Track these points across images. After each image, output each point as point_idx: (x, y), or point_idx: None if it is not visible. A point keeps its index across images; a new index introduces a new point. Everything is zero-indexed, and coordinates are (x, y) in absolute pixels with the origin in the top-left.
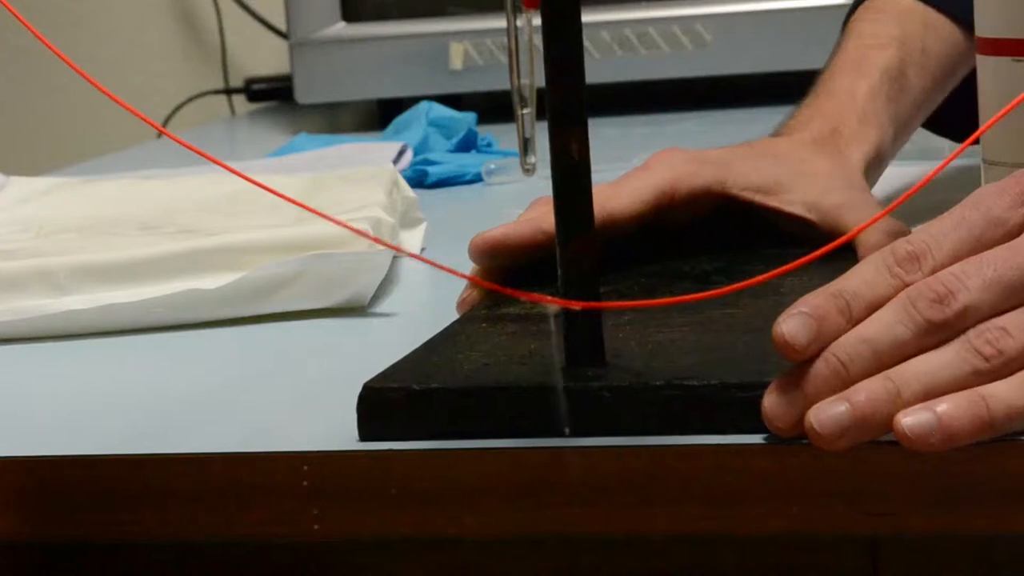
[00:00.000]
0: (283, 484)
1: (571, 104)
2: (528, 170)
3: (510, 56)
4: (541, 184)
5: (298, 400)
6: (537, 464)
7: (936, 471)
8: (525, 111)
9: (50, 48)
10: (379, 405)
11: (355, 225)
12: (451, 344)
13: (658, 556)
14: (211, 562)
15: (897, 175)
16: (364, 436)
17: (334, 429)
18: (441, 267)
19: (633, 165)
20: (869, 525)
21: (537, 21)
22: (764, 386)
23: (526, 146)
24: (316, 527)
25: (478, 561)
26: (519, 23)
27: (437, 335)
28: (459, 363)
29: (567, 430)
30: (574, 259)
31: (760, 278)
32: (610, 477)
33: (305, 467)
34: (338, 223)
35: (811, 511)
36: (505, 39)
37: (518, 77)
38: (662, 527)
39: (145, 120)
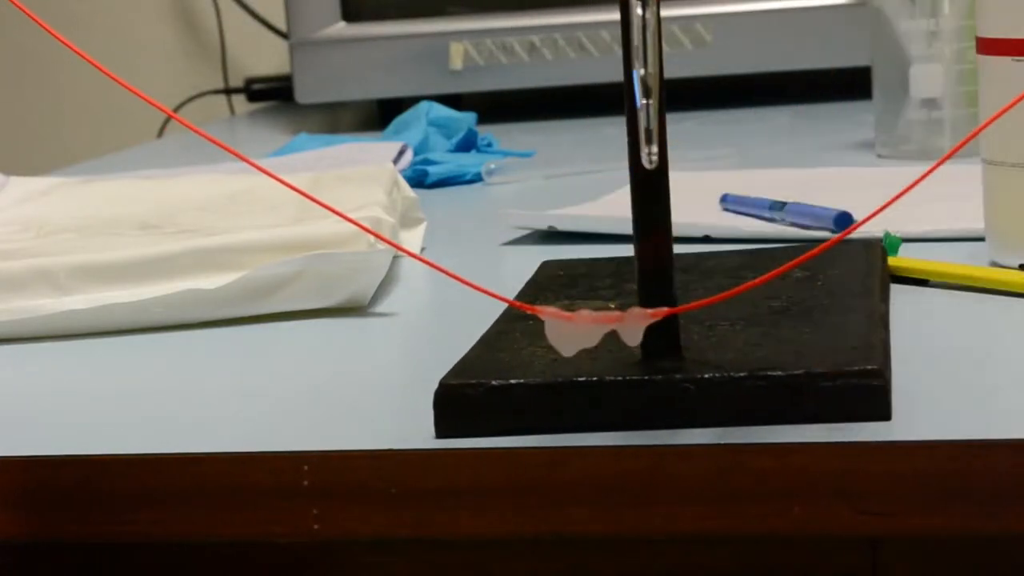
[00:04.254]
0: (283, 484)
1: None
2: (651, 163)
3: (627, 44)
4: (541, 185)
5: (299, 400)
6: (536, 464)
7: (935, 471)
8: (648, 101)
9: (61, 41)
10: (457, 402)
11: (363, 214)
12: (511, 340)
13: (658, 556)
14: (210, 562)
15: (897, 173)
16: (441, 433)
17: (336, 429)
18: (440, 269)
19: None
20: (869, 525)
21: (662, 11)
22: (847, 375)
23: (648, 137)
24: (316, 527)
25: (477, 561)
26: (644, 13)
27: (487, 333)
28: (528, 358)
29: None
30: (650, 259)
31: (799, 260)
32: (609, 477)
33: (306, 467)
34: (344, 217)
35: (812, 511)
36: (506, 38)
37: (644, 66)
38: (661, 527)
39: (159, 107)
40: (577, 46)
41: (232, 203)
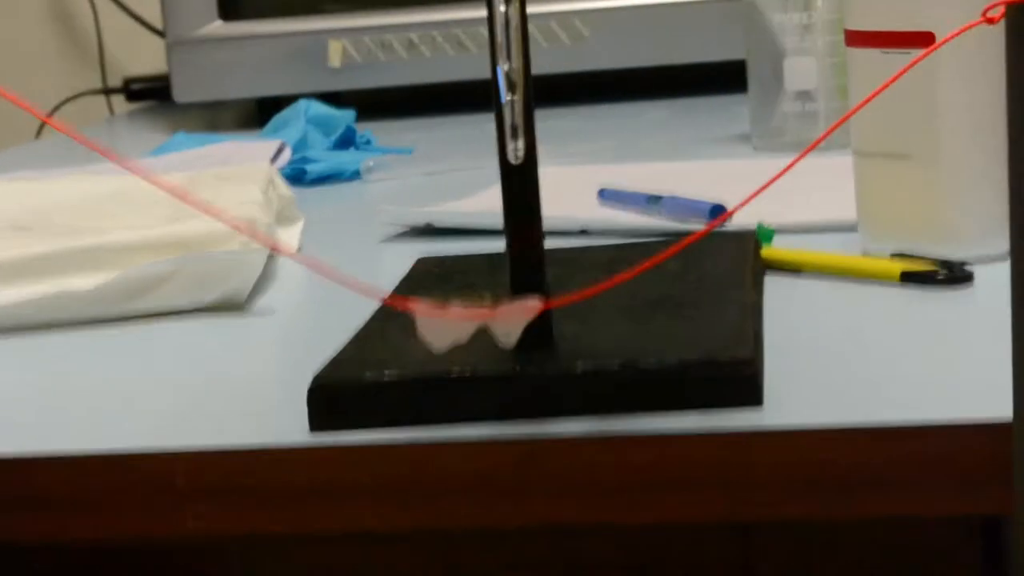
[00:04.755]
0: (158, 483)
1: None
2: (517, 158)
3: (492, 40)
4: (420, 181)
5: (174, 399)
6: (410, 459)
7: (800, 458)
8: (512, 97)
9: None
10: (331, 397)
11: (242, 211)
12: (385, 336)
13: (532, 549)
14: (85, 563)
15: (772, 165)
16: (316, 427)
17: (210, 428)
18: (315, 266)
19: None
20: (740, 513)
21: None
22: (719, 364)
23: (513, 132)
24: (191, 525)
25: (353, 556)
26: (507, 9)
27: (361, 330)
28: (402, 353)
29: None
30: (521, 252)
31: (671, 250)
32: (482, 470)
33: (180, 466)
34: (220, 215)
35: (683, 500)
36: (384, 36)
37: (507, 61)
38: (535, 519)
39: (33, 112)
40: (455, 43)
41: (107, 203)
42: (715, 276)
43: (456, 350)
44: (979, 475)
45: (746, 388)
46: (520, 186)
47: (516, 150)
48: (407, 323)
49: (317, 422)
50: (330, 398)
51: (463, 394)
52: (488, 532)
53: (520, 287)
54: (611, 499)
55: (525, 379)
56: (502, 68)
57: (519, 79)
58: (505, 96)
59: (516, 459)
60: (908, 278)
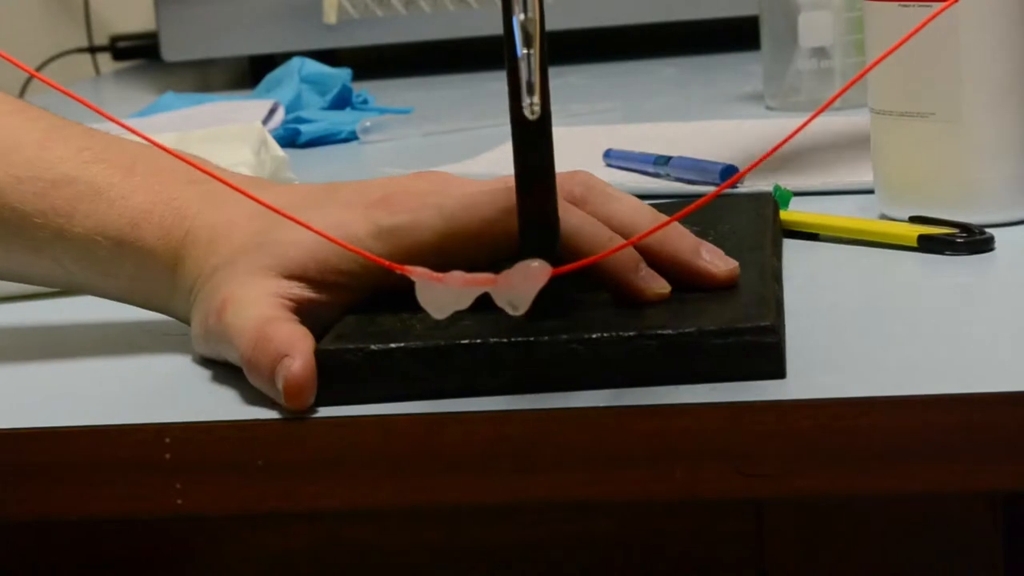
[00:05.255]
0: (145, 457)
1: None
2: (533, 113)
3: None
4: (420, 142)
5: (162, 371)
6: (410, 432)
7: (819, 430)
8: (529, 51)
9: None
10: (335, 368)
11: None
12: (389, 306)
13: (539, 524)
14: (71, 540)
15: (786, 125)
16: (322, 401)
17: (199, 400)
18: (309, 227)
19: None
20: (753, 488)
21: None
22: (739, 332)
23: (529, 87)
24: (179, 502)
25: (350, 533)
26: None
27: (364, 301)
28: (408, 323)
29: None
30: (534, 214)
31: (685, 211)
32: (488, 444)
33: (167, 439)
34: (219, 179)
35: (694, 475)
36: None
37: (523, 11)
38: (543, 494)
39: (19, 65)
40: None
41: None
42: (733, 240)
43: (465, 319)
44: (1000, 449)
45: (769, 357)
46: (534, 144)
47: (532, 105)
48: (411, 293)
49: (322, 395)
50: (335, 369)
51: (473, 364)
52: (491, 509)
53: (531, 251)
54: (617, 473)
55: (538, 347)
56: (517, 19)
57: (535, 31)
58: (521, 50)
59: (522, 433)
60: (925, 243)
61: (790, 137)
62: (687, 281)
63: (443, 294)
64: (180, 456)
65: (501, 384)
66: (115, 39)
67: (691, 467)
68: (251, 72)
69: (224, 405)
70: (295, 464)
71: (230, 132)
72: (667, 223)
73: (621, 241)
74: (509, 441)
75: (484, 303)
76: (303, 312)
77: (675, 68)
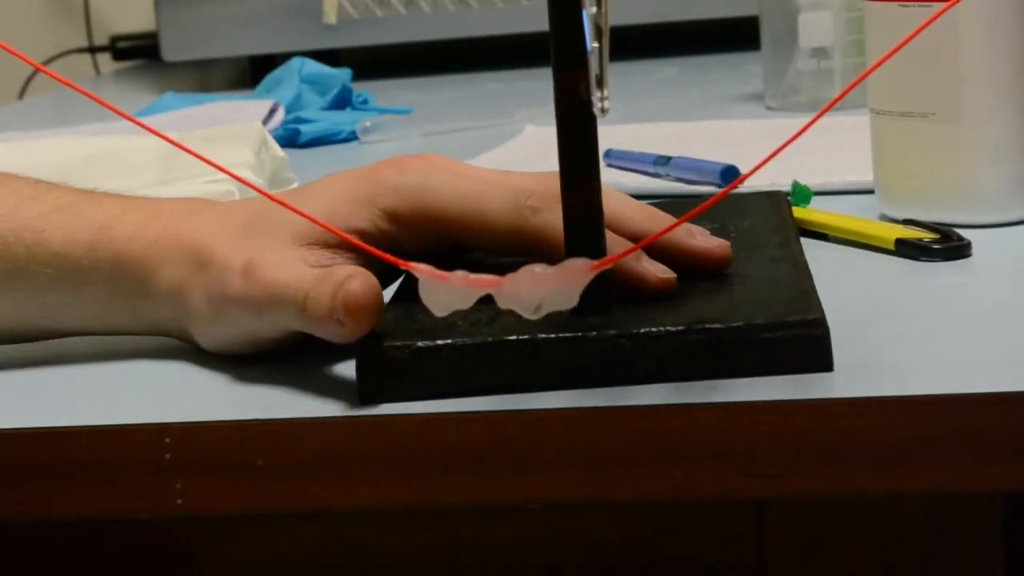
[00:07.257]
0: (145, 458)
1: (574, 44)
2: (603, 110)
3: None
4: (420, 143)
5: (163, 371)
6: (410, 432)
7: (819, 430)
8: (598, 44)
9: None
10: (382, 365)
11: (220, 187)
12: (423, 305)
13: (537, 525)
14: (71, 540)
15: (786, 125)
16: (366, 399)
17: (200, 400)
18: (316, 220)
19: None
20: (753, 487)
21: None
22: (788, 325)
23: (599, 82)
24: (180, 502)
25: (350, 533)
26: None
27: (395, 296)
28: (450, 319)
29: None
30: (581, 207)
31: (702, 206)
32: (488, 444)
33: (167, 439)
34: (214, 165)
35: (693, 474)
36: None
37: (594, 4)
38: (542, 494)
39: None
40: None
41: (91, 165)
42: (757, 236)
43: (508, 316)
44: (1000, 449)
45: (817, 351)
46: (583, 138)
47: (602, 99)
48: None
49: (369, 394)
50: (383, 366)
51: (521, 361)
52: (488, 509)
53: (577, 249)
54: (615, 472)
55: (586, 343)
56: (588, 12)
57: (605, 24)
58: (591, 44)
59: (518, 433)
60: (902, 247)
61: (797, 136)
62: (684, 264)
63: (446, 293)
64: (180, 456)
65: (548, 380)
66: (115, 39)
67: (691, 467)
68: (251, 72)
69: (224, 405)
70: (295, 464)
71: (230, 132)
72: (682, 220)
73: (620, 238)
74: (509, 441)
75: None
76: None
77: (675, 68)
